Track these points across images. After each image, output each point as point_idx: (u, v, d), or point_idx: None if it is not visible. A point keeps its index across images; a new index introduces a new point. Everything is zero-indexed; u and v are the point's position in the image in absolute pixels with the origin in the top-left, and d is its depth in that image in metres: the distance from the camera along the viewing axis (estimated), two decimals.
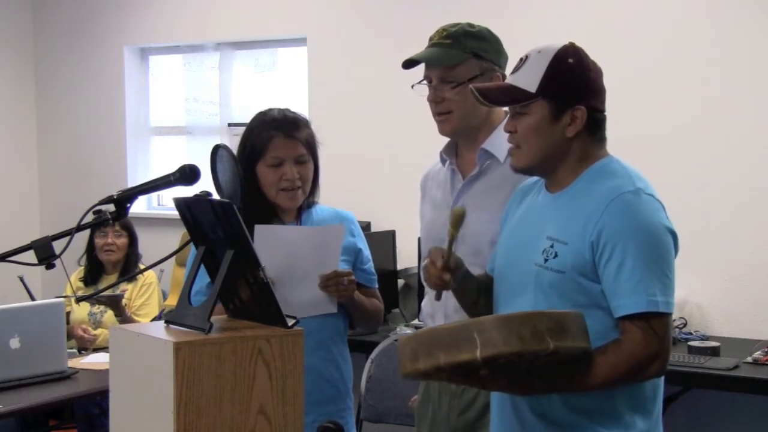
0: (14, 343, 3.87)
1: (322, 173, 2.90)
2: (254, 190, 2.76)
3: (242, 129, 2.90)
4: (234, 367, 1.90)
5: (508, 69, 2.39)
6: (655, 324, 2.06)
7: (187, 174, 2.18)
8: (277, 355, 1.94)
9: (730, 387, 3.96)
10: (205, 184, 2.18)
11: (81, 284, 4.88)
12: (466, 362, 1.92)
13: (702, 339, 4.32)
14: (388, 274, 5.05)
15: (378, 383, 4.09)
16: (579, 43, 2.21)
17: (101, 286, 4.81)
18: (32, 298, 5.00)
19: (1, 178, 6.76)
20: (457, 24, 2.60)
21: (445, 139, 2.70)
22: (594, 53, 2.22)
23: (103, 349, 4.43)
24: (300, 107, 3.77)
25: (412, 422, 2.92)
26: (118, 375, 2.09)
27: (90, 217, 2.19)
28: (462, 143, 2.67)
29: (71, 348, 4.39)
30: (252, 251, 1.97)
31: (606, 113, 2.22)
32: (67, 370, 4.01)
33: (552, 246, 2.14)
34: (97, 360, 4.21)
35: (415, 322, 4.74)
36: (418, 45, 2.68)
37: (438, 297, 2.28)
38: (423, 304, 2.75)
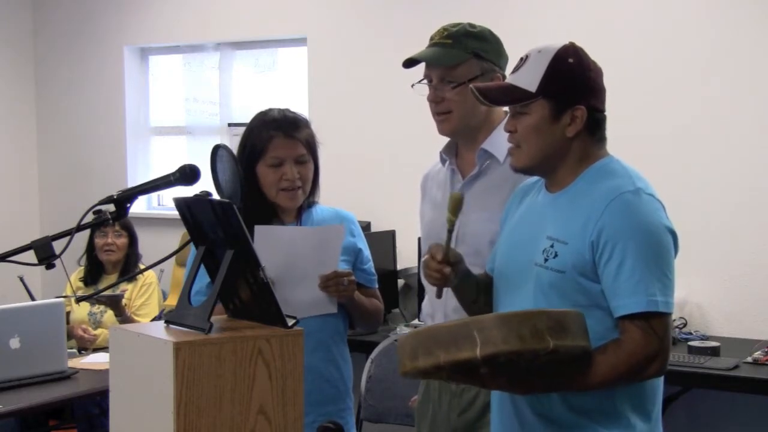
0: (14, 343, 3.87)
1: (322, 173, 2.90)
2: (254, 190, 2.76)
3: (242, 129, 2.90)
4: (234, 367, 1.90)
5: (508, 69, 2.39)
6: (654, 324, 2.06)
7: (187, 174, 2.18)
8: (277, 355, 1.94)
9: (730, 387, 3.96)
10: (205, 184, 2.18)
11: (81, 284, 4.88)
12: (466, 360, 1.92)
13: (702, 339, 4.32)
14: (388, 274, 5.05)
15: (378, 383, 4.09)
16: (579, 43, 2.21)
17: (101, 286, 4.81)
18: (32, 298, 5.00)
19: (1, 178, 6.76)
20: (459, 24, 2.60)
21: (445, 139, 2.70)
22: (594, 53, 2.22)
23: (103, 349, 4.43)
24: (300, 107, 3.77)
25: (412, 422, 2.92)
26: (118, 375, 2.09)
27: (90, 217, 2.19)
28: (462, 143, 2.67)
29: (71, 348, 4.39)
30: (252, 251, 1.97)
31: (606, 113, 2.22)
32: (67, 370, 4.01)
33: (552, 246, 2.14)
34: (97, 360, 4.20)
35: (415, 322, 4.74)
36: (418, 45, 2.68)
37: (439, 294, 2.27)
38: (423, 304, 2.75)
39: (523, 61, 2.20)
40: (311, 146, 2.84)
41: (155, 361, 1.90)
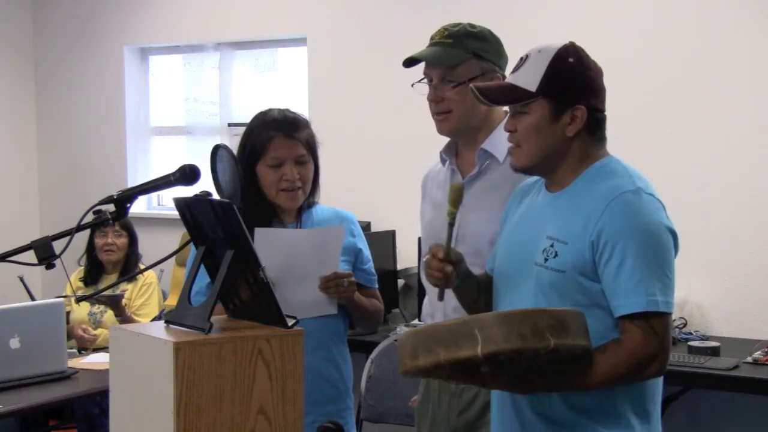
0: (14, 343, 3.87)
1: (322, 173, 2.90)
2: (254, 190, 2.76)
3: (242, 129, 2.90)
4: (234, 367, 1.90)
5: (508, 69, 2.39)
6: (655, 323, 2.06)
7: (187, 174, 2.18)
8: (277, 355, 1.94)
9: (730, 387, 3.96)
10: (205, 184, 2.18)
11: (81, 284, 4.88)
12: (467, 359, 1.91)
13: (702, 339, 4.32)
14: (388, 274, 5.05)
15: (378, 383, 4.09)
16: (579, 43, 2.21)
17: (101, 286, 4.81)
18: (32, 298, 5.00)
19: (1, 178, 6.76)
20: (459, 24, 2.60)
21: (445, 139, 2.70)
22: (594, 53, 2.22)
23: (103, 349, 4.43)
24: (300, 107, 3.77)
25: (412, 422, 2.92)
26: (118, 375, 2.09)
27: (90, 217, 2.19)
28: (461, 143, 2.67)
29: (71, 348, 4.39)
30: (252, 251, 1.97)
31: (606, 113, 2.22)
32: (67, 370, 4.01)
33: (552, 245, 2.14)
34: (97, 360, 4.20)
35: (415, 322, 4.74)
36: (418, 45, 2.68)
37: (441, 296, 2.26)
38: (423, 304, 2.75)
39: (523, 60, 2.20)
40: (311, 146, 2.84)
41: (155, 361, 1.90)
